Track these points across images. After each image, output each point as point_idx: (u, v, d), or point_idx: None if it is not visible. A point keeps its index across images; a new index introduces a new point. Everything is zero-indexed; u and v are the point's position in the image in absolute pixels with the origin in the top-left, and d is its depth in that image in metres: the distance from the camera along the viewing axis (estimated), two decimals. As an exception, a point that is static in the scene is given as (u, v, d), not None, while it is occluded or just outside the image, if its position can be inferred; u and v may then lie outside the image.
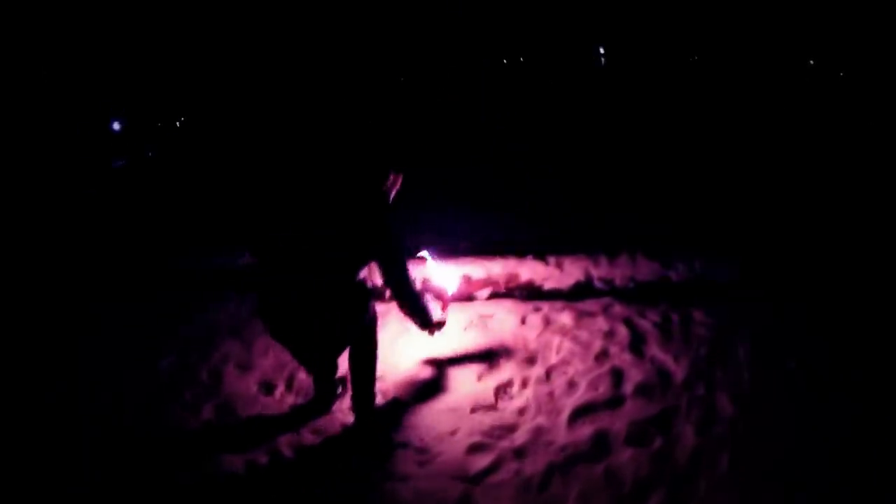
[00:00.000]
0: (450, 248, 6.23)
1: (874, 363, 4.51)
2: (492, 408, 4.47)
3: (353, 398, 4.23)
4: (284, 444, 4.14)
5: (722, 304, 5.55)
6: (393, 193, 3.92)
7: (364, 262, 3.72)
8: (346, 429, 4.26)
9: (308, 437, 4.22)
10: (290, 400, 4.66)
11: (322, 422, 4.37)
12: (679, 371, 4.64)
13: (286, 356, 4.77)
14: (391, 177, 3.85)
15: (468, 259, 6.15)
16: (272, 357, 5.15)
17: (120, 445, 4.27)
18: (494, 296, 5.97)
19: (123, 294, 6.90)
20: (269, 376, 4.95)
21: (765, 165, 8.60)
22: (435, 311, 4.30)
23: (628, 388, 4.50)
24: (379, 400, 4.44)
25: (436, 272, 5.01)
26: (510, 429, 4.23)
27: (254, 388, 4.81)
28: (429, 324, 4.12)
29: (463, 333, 5.44)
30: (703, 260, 6.19)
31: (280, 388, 4.79)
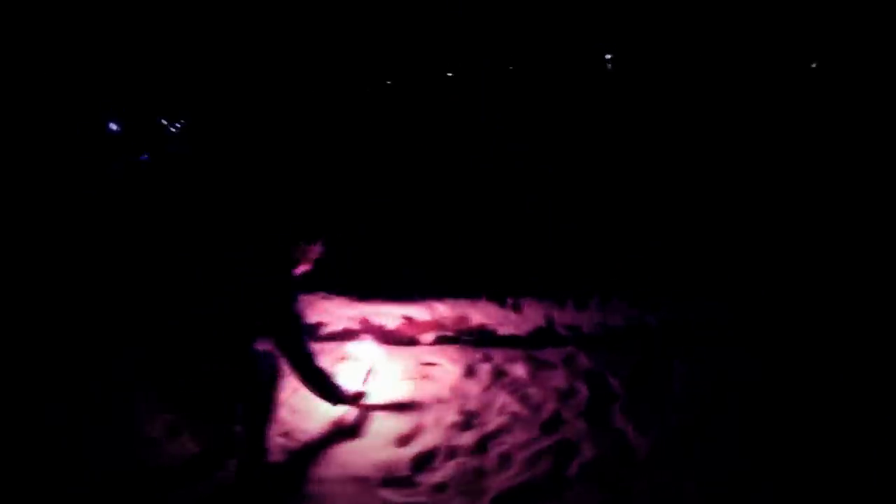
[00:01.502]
0: (394, 288, 5.42)
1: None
2: (406, 482, 3.65)
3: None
4: None
5: (712, 358, 4.75)
6: (304, 268, 3.81)
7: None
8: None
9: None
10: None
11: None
12: (644, 446, 3.81)
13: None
14: (300, 248, 3.73)
15: (413, 300, 5.31)
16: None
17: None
18: (441, 341, 5.10)
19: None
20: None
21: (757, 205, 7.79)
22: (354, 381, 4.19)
23: (575, 468, 3.66)
24: (279, 458, 3.84)
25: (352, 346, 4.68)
26: None
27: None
28: (334, 399, 4.00)
29: (396, 384, 4.64)
30: (692, 305, 5.30)
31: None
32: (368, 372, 4.35)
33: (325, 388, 3.96)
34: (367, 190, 7.50)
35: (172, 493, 3.61)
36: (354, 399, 4.21)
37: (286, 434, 3.99)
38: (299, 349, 3.75)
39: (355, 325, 5.19)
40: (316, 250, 3.84)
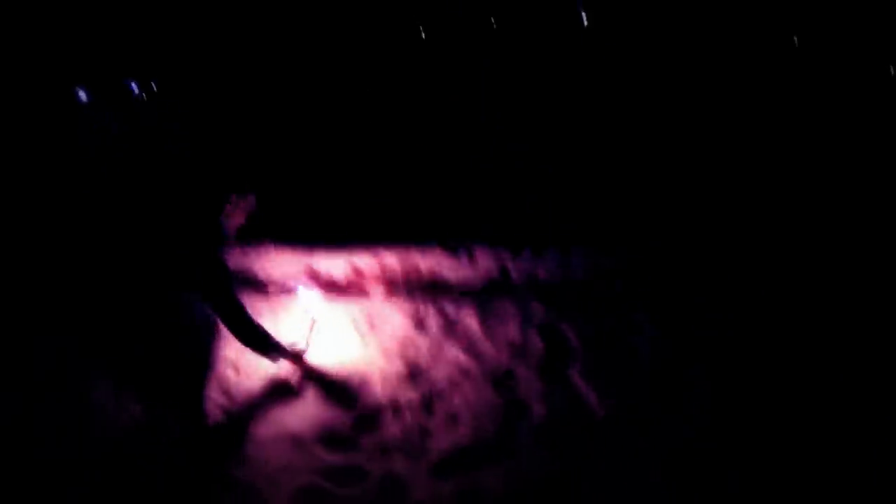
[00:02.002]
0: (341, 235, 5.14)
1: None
2: (348, 442, 3.43)
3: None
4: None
5: (681, 313, 4.48)
6: (237, 221, 3.59)
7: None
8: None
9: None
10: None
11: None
12: (601, 406, 3.60)
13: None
14: (232, 202, 3.51)
15: (360, 248, 5.02)
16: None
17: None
18: (389, 290, 4.84)
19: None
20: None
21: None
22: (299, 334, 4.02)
23: (525, 430, 3.45)
24: (218, 418, 3.68)
25: (304, 295, 4.36)
26: (360, 474, 3.30)
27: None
28: (273, 354, 3.81)
29: (342, 338, 4.38)
30: (660, 255, 5.08)
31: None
32: (311, 325, 4.09)
33: (262, 343, 3.74)
34: (309, 136, 7.15)
35: (121, 461, 3.42)
36: (295, 354, 3.97)
37: (227, 392, 3.78)
38: (229, 304, 3.54)
39: (302, 276, 4.91)
40: (249, 202, 3.62)
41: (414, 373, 3.96)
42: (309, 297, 4.30)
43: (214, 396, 3.72)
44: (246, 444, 3.46)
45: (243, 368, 3.95)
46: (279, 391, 3.85)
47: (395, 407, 3.66)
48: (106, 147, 6.59)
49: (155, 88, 7.61)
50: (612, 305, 4.64)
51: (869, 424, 3.29)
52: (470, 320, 4.47)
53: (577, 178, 6.29)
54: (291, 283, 4.78)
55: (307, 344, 4.05)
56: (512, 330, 4.35)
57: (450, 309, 4.63)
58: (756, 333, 4.15)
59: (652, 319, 4.46)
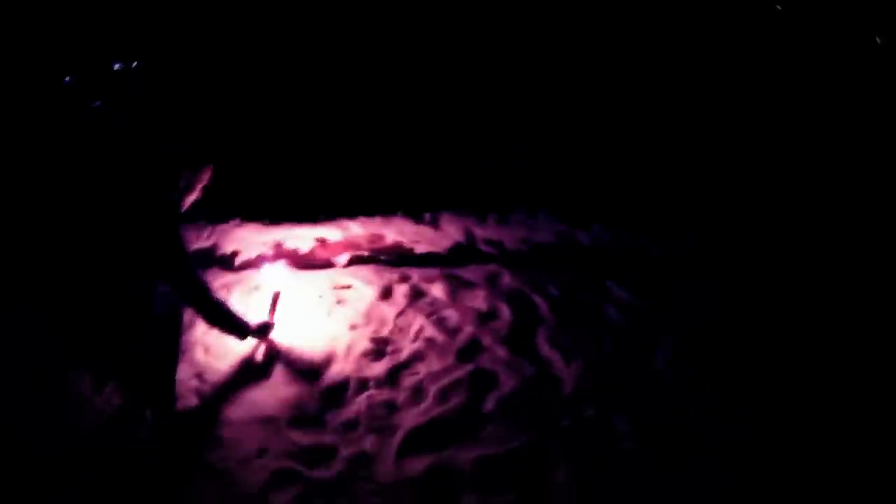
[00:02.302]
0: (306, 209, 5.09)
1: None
2: (315, 420, 3.40)
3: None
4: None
5: (654, 281, 4.52)
6: (192, 196, 3.44)
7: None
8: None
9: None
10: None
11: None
12: (570, 377, 3.56)
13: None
14: (184, 178, 3.36)
15: (325, 221, 4.98)
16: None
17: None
18: (355, 261, 4.80)
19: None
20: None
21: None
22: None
23: (492, 402, 3.40)
24: (191, 401, 3.57)
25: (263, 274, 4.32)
26: (328, 453, 3.21)
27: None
28: (240, 333, 3.67)
29: (309, 312, 4.32)
30: (633, 222, 5.09)
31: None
32: (275, 301, 4.00)
33: (228, 322, 3.62)
34: (269, 110, 7.03)
35: (100, 450, 3.33)
36: (262, 331, 3.88)
37: (199, 375, 3.70)
38: (190, 283, 3.41)
39: (269, 251, 4.85)
40: (204, 177, 3.49)
41: (379, 345, 3.91)
42: (273, 272, 4.25)
43: (187, 380, 3.62)
44: (220, 427, 3.38)
45: (214, 349, 3.88)
46: (249, 370, 3.78)
47: (361, 381, 3.61)
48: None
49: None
50: (579, 270, 4.65)
51: (869, 424, 3.27)
52: (436, 289, 4.44)
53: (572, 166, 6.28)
54: (258, 258, 4.74)
55: (273, 320, 3.99)
56: (479, 298, 4.32)
57: (416, 277, 4.59)
58: (754, 332, 4.10)
59: (620, 282, 4.50)
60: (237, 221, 5.05)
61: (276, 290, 4.03)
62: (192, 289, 3.42)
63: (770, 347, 3.86)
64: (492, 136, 7.03)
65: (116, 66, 7.43)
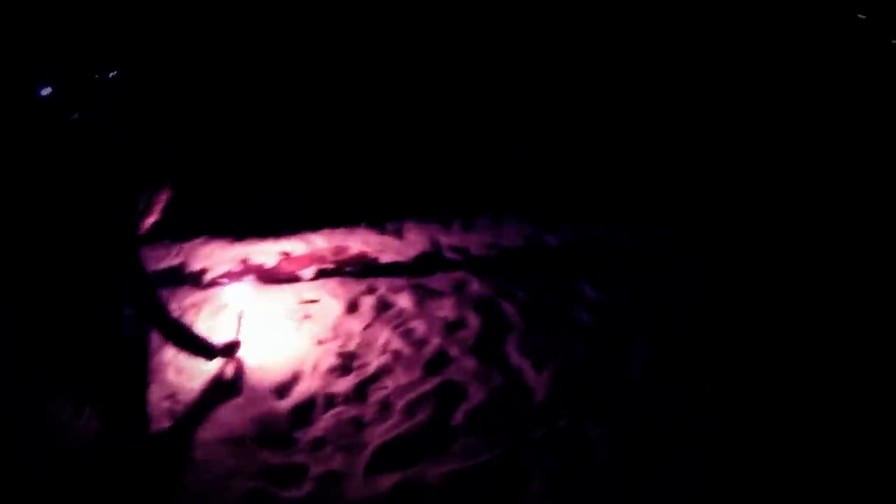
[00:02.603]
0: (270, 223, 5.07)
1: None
2: (285, 439, 3.39)
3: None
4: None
5: (629, 283, 4.50)
6: (152, 218, 3.40)
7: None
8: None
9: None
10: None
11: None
12: (541, 386, 3.55)
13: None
14: (143, 200, 3.33)
15: (290, 235, 4.97)
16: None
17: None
18: (321, 274, 4.80)
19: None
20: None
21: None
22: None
23: (460, 415, 3.38)
24: (165, 423, 3.56)
25: (230, 292, 4.28)
26: (299, 472, 3.20)
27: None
28: (206, 354, 3.68)
29: (276, 328, 4.30)
30: (601, 222, 5.09)
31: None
32: (239, 319, 3.97)
33: (192, 344, 3.62)
34: (229, 126, 6.99)
35: (82, 475, 3.32)
36: (229, 351, 3.87)
37: (171, 396, 3.69)
38: (151, 306, 3.39)
39: (236, 267, 4.82)
40: (163, 198, 3.46)
41: (346, 360, 3.90)
42: (236, 290, 4.23)
43: (159, 401, 3.60)
44: (194, 448, 3.36)
45: (185, 370, 3.86)
46: (220, 390, 3.76)
47: (329, 398, 3.59)
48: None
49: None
50: (552, 273, 4.65)
51: (868, 424, 3.27)
52: (403, 299, 4.43)
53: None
54: (226, 275, 4.73)
55: (239, 338, 3.97)
56: (447, 307, 4.31)
57: (382, 288, 4.58)
58: (756, 333, 4.08)
59: (593, 284, 4.49)
60: (204, 238, 5.02)
61: (239, 308, 4.00)
62: (153, 312, 3.40)
63: (749, 344, 3.88)
64: (492, 136, 7.04)
65: (96, 77, 7.37)
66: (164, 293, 4.56)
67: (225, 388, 3.78)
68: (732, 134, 6.96)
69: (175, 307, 4.52)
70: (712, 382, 3.55)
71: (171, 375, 3.85)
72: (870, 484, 2.91)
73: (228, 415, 3.59)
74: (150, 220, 3.48)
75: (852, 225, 5.20)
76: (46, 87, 7.06)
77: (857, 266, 4.68)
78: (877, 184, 5.90)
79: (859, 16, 9.09)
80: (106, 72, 7.48)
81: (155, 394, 3.60)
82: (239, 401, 3.68)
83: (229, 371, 3.89)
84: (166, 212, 3.48)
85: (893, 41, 8.77)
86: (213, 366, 3.86)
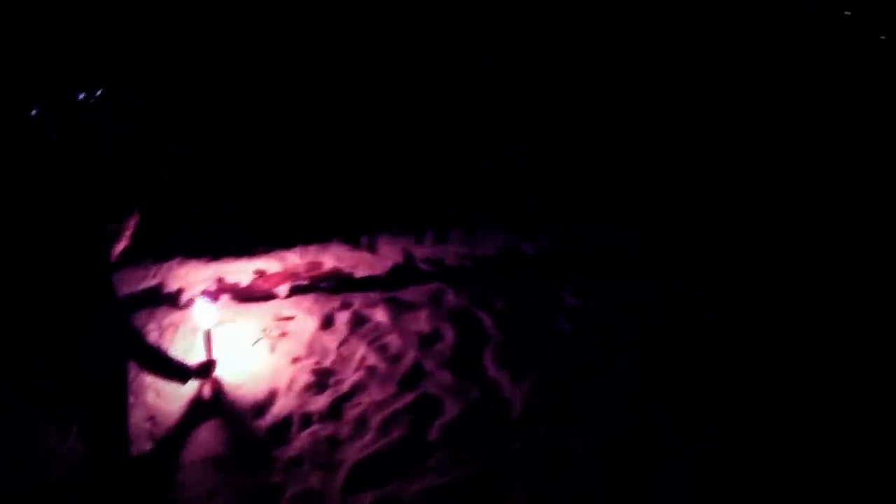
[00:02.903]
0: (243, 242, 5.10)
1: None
2: (262, 460, 3.41)
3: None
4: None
5: (610, 292, 4.51)
6: (121, 244, 3.39)
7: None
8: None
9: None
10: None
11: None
12: (519, 398, 3.55)
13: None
14: (112, 226, 3.33)
15: (264, 252, 5.00)
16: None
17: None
18: (296, 291, 4.83)
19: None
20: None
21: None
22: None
23: (437, 431, 3.39)
24: (146, 446, 3.56)
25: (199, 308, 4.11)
26: (276, 492, 3.19)
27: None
28: (181, 377, 3.67)
29: (252, 348, 4.30)
30: (584, 226, 5.13)
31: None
32: (208, 340, 3.94)
33: (165, 368, 3.61)
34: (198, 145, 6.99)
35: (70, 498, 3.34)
36: (204, 372, 3.86)
37: (151, 419, 3.68)
38: (122, 332, 3.38)
39: (212, 287, 4.83)
40: (131, 224, 3.46)
41: (321, 377, 3.90)
42: (203, 311, 4.11)
43: (140, 424, 3.59)
44: (175, 470, 3.38)
45: (164, 392, 3.84)
46: (198, 411, 3.76)
47: (305, 416, 3.59)
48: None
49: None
50: (529, 281, 4.67)
51: (868, 424, 3.28)
52: (378, 314, 4.44)
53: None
54: (203, 294, 4.75)
55: (212, 358, 3.96)
56: (422, 320, 4.32)
57: (357, 303, 4.59)
58: (756, 333, 4.11)
59: (574, 292, 4.51)
60: (180, 259, 5.04)
61: (207, 328, 3.98)
62: (124, 340, 3.41)
63: (739, 347, 3.92)
64: (492, 136, 7.08)
65: (81, 97, 7.37)
66: (144, 314, 4.63)
67: (203, 409, 3.77)
68: (726, 133, 7.02)
69: (154, 327, 4.51)
70: (700, 386, 3.59)
71: (150, 398, 3.83)
72: (869, 484, 2.94)
73: (207, 436, 3.58)
74: (120, 246, 3.50)
75: (847, 222, 5.26)
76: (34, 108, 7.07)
77: (854, 265, 4.74)
78: (871, 179, 5.98)
79: (845, 12, 9.20)
80: (90, 91, 7.48)
81: (136, 416, 3.57)
82: (217, 421, 3.67)
83: (207, 392, 3.90)
84: (135, 237, 3.48)
85: (881, 37, 8.91)
86: (190, 388, 3.88)
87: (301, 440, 3.49)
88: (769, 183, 6.07)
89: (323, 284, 4.85)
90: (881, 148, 6.66)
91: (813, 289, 4.56)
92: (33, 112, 7.08)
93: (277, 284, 4.84)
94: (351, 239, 5.11)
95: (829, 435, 3.23)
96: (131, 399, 3.58)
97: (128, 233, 3.46)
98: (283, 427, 3.60)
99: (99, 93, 7.50)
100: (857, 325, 4.13)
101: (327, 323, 4.43)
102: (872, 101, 7.44)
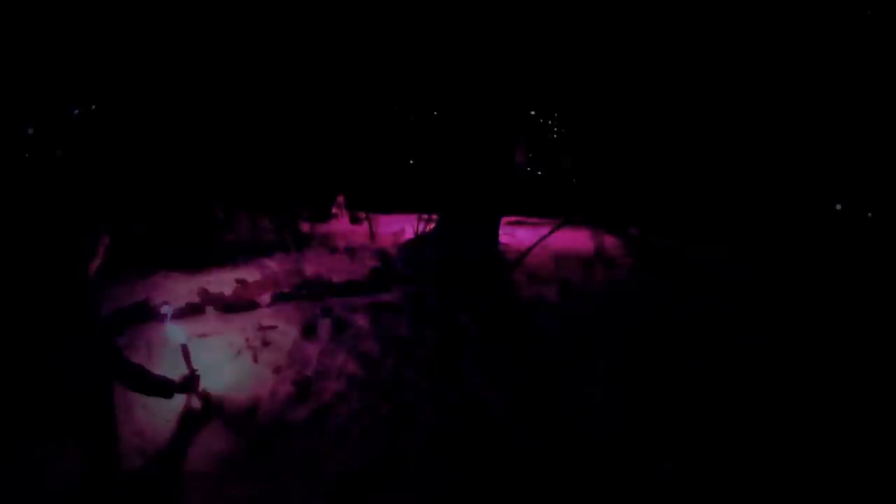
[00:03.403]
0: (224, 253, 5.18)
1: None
2: (245, 473, 3.48)
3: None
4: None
5: (588, 278, 4.61)
6: (96, 262, 3.42)
7: None
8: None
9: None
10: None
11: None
12: (500, 400, 3.58)
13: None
14: (87, 248, 3.37)
15: (245, 263, 5.08)
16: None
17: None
18: (278, 299, 4.90)
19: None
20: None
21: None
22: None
23: (416, 439, 3.42)
24: (135, 461, 3.62)
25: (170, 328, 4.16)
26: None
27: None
28: (165, 392, 3.70)
29: (235, 359, 4.33)
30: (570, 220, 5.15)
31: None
32: (186, 354, 3.95)
33: (147, 384, 3.65)
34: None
35: None
36: (187, 386, 3.88)
37: (140, 434, 3.73)
38: (104, 351, 3.42)
39: (196, 299, 4.90)
40: (105, 242, 3.50)
41: (302, 388, 3.94)
42: (175, 329, 4.15)
43: (129, 439, 3.63)
44: (165, 484, 3.46)
45: (152, 407, 3.88)
46: (184, 425, 3.82)
47: (286, 428, 3.64)
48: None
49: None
50: (510, 282, 4.73)
51: (868, 424, 3.32)
52: (359, 318, 4.47)
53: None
54: (186, 307, 4.83)
55: (194, 373, 3.98)
56: (401, 323, 4.35)
57: (338, 309, 4.62)
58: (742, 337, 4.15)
59: (561, 291, 4.53)
60: (164, 272, 5.11)
61: (183, 342, 4.00)
62: (106, 358, 3.45)
63: (731, 348, 3.98)
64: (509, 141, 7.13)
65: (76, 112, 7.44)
66: (133, 330, 4.69)
67: (190, 422, 3.83)
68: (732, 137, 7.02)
69: (143, 343, 4.53)
70: (688, 388, 3.62)
71: (139, 413, 3.86)
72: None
73: (194, 449, 3.65)
74: (95, 264, 3.51)
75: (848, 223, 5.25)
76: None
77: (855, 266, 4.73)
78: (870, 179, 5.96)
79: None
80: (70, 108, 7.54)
81: (126, 432, 3.62)
82: (203, 436, 3.72)
83: (193, 405, 3.98)
84: (108, 254, 3.51)
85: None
86: (175, 402, 3.97)
87: (283, 452, 3.53)
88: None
89: (304, 291, 4.89)
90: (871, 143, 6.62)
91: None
92: (30, 130, 7.15)
93: (260, 293, 4.89)
94: (329, 245, 5.18)
95: (829, 435, 3.29)
96: (120, 416, 3.58)
97: (101, 250, 3.50)
98: (266, 439, 3.64)
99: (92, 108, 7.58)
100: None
101: (308, 331, 4.46)
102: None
